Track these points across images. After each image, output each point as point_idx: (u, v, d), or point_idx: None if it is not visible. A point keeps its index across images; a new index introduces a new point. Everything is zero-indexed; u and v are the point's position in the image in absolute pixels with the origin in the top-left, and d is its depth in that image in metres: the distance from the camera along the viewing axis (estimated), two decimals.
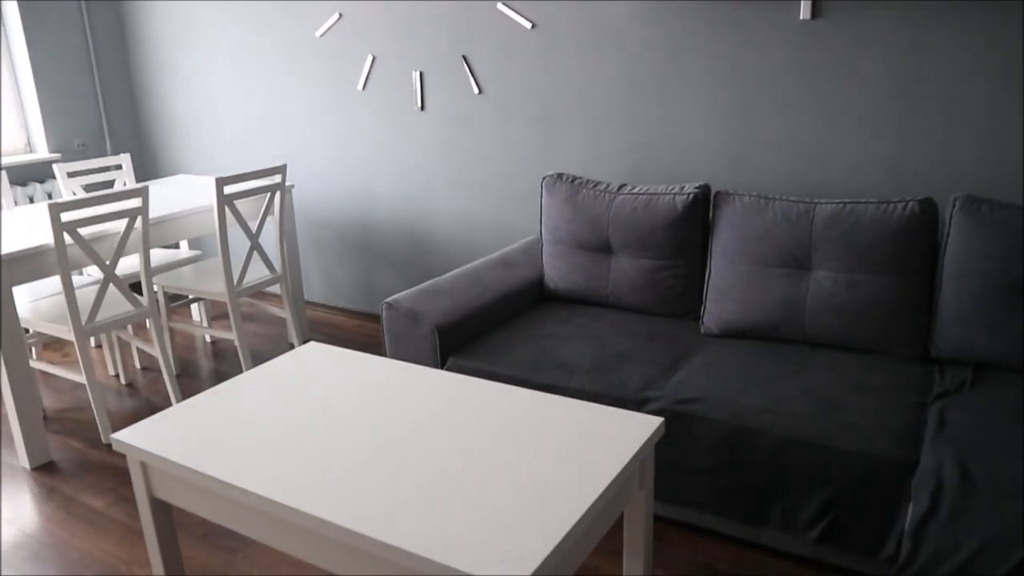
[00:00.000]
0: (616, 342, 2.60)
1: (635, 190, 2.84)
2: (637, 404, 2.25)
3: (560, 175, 3.01)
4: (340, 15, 3.86)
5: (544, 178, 3.03)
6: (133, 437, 1.71)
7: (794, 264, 2.55)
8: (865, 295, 2.44)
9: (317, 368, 2.03)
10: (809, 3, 2.72)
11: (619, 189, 2.87)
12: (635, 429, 1.67)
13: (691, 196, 2.73)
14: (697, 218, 2.75)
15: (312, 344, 2.15)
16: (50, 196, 4.56)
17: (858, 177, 2.80)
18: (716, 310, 2.66)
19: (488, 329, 2.78)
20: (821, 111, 2.80)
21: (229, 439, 1.68)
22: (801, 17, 2.74)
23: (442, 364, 2.59)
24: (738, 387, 2.25)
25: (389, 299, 2.67)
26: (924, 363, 2.42)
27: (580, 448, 1.60)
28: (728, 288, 2.64)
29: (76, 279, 3.55)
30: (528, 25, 3.32)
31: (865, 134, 2.75)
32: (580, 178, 2.98)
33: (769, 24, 2.82)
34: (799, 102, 2.83)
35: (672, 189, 2.78)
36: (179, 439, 1.69)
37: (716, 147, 3.03)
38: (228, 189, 3.64)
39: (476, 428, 1.70)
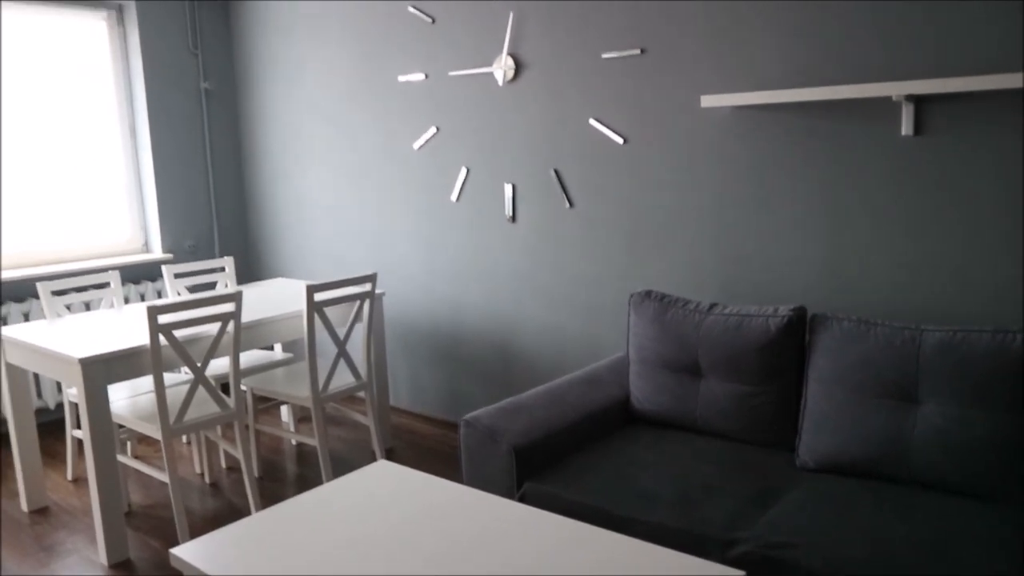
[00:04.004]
0: (703, 471, 2.44)
1: (726, 311, 2.73)
2: (722, 545, 2.08)
3: (648, 293, 2.93)
4: (437, 129, 3.98)
5: (632, 295, 2.96)
6: (189, 553, 1.67)
7: (899, 395, 2.36)
8: (981, 434, 2.22)
9: (384, 491, 1.97)
10: (911, 119, 2.62)
11: (709, 309, 2.77)
12: None
13: (785, 319, 2.60)
14: (792, 342, 2.61)
15: (382, 463, 2.10)
16: (159, 294, 4.78)
17: (968, 301, 2.60)
18: (812, 441, 2.48)
19: (569, 451, 2.67)
20: (925, 230, 2.65)
21: (284, 563, 1.63)
22: (903, 133, 2.63)
23: (518, 487, 2.49)
24: (836, 531, 2.06)
25: (468, 416, 2.61)
26: None
27: None
28: (825, 418, 2.46)
29: (172, 376, 3.65)
30: (620, 140, 3.32)
31: (975, 255, 2.57)
32: (669, 296, 2.89)
33: (868, 140, 2.72)
34: (901, 221, 2.69)
35: (765, 311, 2.65)
36: (235, 560, 1.65)
37: (812, 266, 2.89)
38: (319, 296, 3.71)
39: (543, 574, 1.59)
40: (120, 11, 4.73)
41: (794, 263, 2.94)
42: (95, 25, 4.65)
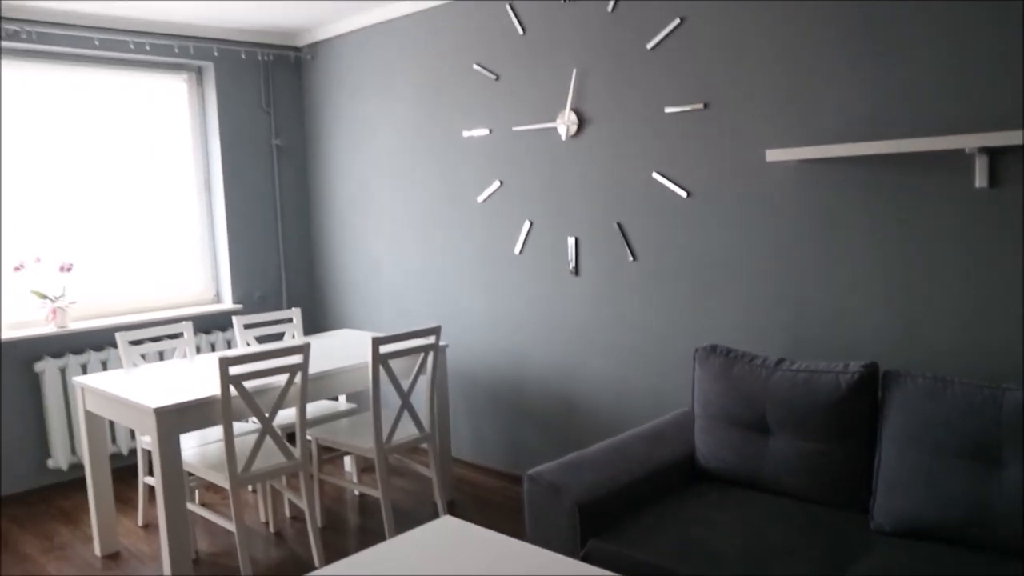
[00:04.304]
0: (771, 532, 2.38)
1: (794, 366, 2.67)
2: None
3: (714, 347, 2.89)
4: (501, 183, 4.04)
5: (697, 350, 2.93)
6: None
7: (980, 457, 2.27)
8: None
9: (448, 548, 1.96)
10: (986, 171, 2.56)
11: (777, 364, 2.71)
12: None
13: (856, 375, 2.53)
14: (863, 399, 2.54)
15: (446, 519, 2.10)
16: (229, 344, 4.90)
17: None
18: (887, 504, 2.39)
19: (634, 508, 2.63)
20: (1004, 285, 2.56)
21: None
22: (977, 185, 2.57)
23: (582, 545, 2.45)
24: None
25: (531, 471, 2.60)
26: None
27: None
28: (901, 479, 2.37)
29: (240, 426, 3.72)
30: (683, 194, 3.32)
31: None
32: (735, 351, 2.85)
33: (940, 192, 2.66)
34: (977, 275, 2.61)
35: (835, 367, 2.59)
36: None
37: (883, 321, 2.82)
38: (384, 348, 3.76)
39: None
40: (199, 72, 4.96)
41: (864, 318, 2.87)
42: (176, 86, 4.88)
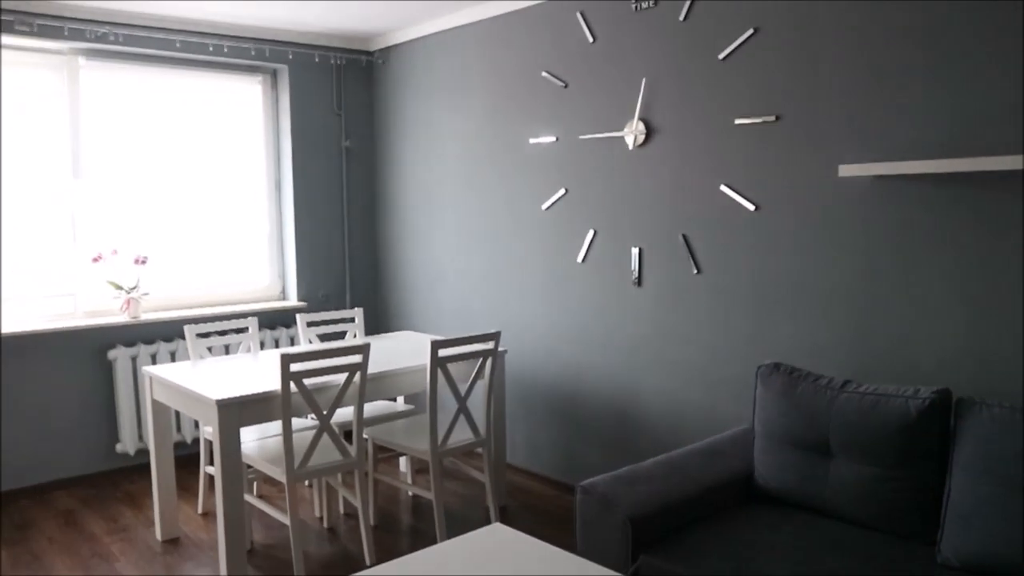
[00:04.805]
0: (830, 561, 2.30)
1: (860, 388, 2.59)
2: None
3: (777, 365, 2.82)
4: (566, 190, 4.02)
5: (760, 367, 2.86)
6: None
7: None
8: None
9: (497, 556, 1.95)
10: None
11: (843, 386, 2.63)
12: None
13: (927, 401, 2.44)
14: (934, 427, 2.44)
15: (497, 526, 2.10)
16: (292, 341, 4.99)
17: None
18: (956, 538, 2.29)
19: (687, 525, 2.58)
20: None
21: None
22: None
23: (633, 560, 2.42)
24: None
25: (584, 483, 2.57)
26: None
27: None
28: (972, 513, 2.27)
29: (298, 421, 3.78)
30: (751, 207, 3.25)
31: None
32: (799, 370, 2.78)
33: (1023, 213, 2.55)
34: None
35: (904, 391, 2.50)
36: None
37: (957, 346, 2.71)
38: (443, 352, 3.78)
39: None
40: (274, 75, 5.08)
41: (936, 342, 2.77)
42: (252, 88, 5.00)
